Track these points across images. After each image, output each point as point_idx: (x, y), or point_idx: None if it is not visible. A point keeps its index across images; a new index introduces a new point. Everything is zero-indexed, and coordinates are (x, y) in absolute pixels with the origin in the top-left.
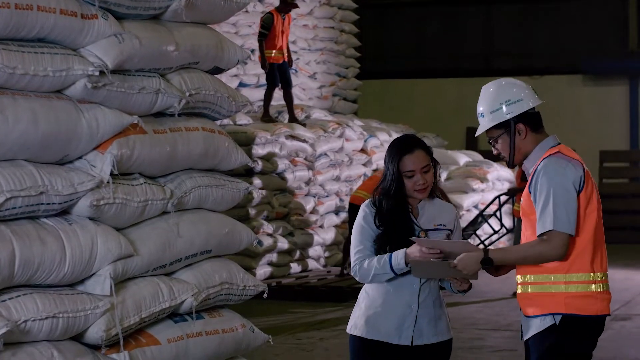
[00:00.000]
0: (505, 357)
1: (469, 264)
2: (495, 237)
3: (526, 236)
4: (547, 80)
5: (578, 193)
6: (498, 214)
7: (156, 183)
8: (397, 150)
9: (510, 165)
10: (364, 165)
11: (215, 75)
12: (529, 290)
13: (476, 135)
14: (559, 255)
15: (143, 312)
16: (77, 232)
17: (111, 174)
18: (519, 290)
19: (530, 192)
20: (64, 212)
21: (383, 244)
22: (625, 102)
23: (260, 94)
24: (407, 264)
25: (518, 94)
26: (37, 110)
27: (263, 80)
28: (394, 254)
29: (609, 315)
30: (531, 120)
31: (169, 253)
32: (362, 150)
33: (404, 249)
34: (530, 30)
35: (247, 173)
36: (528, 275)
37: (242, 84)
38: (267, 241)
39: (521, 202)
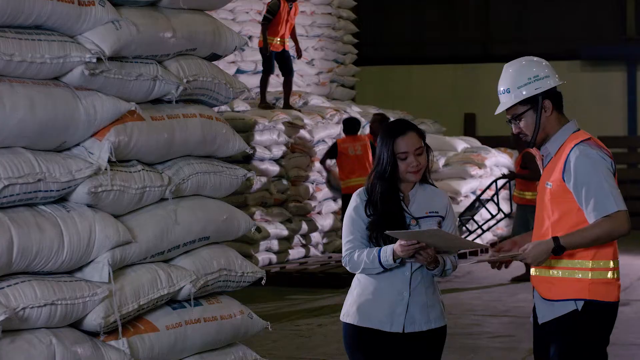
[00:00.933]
0: (504, 343)
1: (539, 255)
2: (492, 221)
3: (555, 221)
4: None
5: None
6: (495, 198)
7: (154, 170)
8: (391, 132)
9: (532, 144)
10: None
11: (213, 62)
12: (552, 274)
13: (497, 112)
14: (626, 231)
15: (141, 299)
16: (75, 219)
17: (109, 161)
18: (537, 273)
19: (564, 179)
20: (61, 200)
21: (374, 233)
22: (623, 89)
23: (258, 80)
24: (395, 261)
25: (544, 71)
26: (35, 97)
27: (261, 67)
28: (383, 249)
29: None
30: (556, 99)
31: (167, 240)
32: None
33: (392, 245)
34: (528, 16)
35: (245, 160)
36: (552, 260)
37: (239, 71)
38: (267, 228)
39: (548, 188)
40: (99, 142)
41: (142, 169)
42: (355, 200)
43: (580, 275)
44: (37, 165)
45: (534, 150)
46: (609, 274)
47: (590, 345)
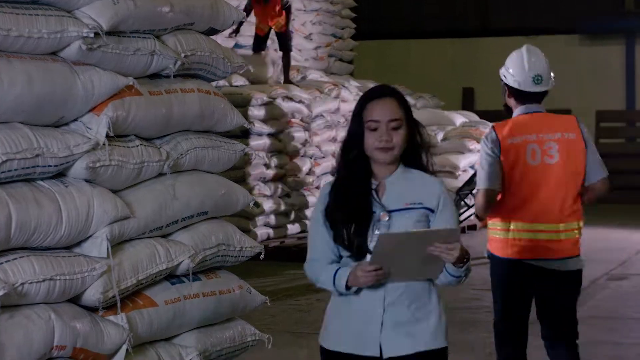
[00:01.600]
0: None
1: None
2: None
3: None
4: (543, 40)
5: None
6: None
7: (152, 145)
8: (364, 96)
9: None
10: None
11: (211, 37)
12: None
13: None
14: (480, 206)
15: (140, 274)
16: (73, 194)
17: (107, 136)
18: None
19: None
20: (60, 175)
21: (336, 234)
22: (622, 62)
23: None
24: (348, 288)
25: None
26: (32, 72)
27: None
28: (338, 274)
29: None
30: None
31: (165, 215)
32: None
33: (348, 269)
34: None
35: (243, 134)
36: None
37: (237, 45)
38: (265, 203)
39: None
40: (97, 117)
41: (140, 144)
42: (320, 194)
43: (490, 234)
44: (35, 140)
45: None
46: (497, 233)
47: (493, 285)
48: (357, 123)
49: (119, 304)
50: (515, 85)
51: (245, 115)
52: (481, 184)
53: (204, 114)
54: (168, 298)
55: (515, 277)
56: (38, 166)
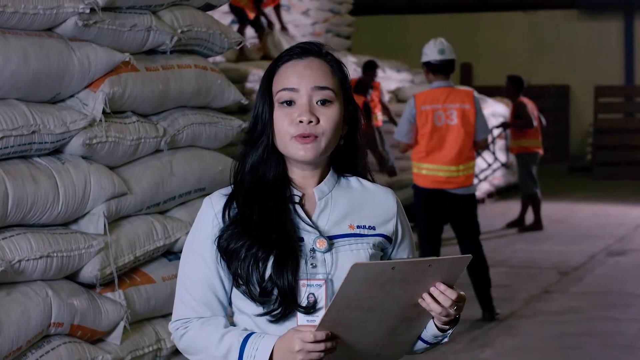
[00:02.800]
0: (500, 293)
1: None
2: (489, 170)
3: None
4: (542, 15)
5: None
6: (492, 147)
7: (149, 121)
8: (277, 58)
9: None
10: None
11: (207, 12)
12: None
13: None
14: (401, 149)
15: (137, 250)
16: (70, 171)
17: (103, 112)
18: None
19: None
20: (56, 152)
21: (238, 275)
22: (620, 37)
23: (253, 31)
24: None
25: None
26: (28, 48)
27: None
28: (251, 344)
29: None
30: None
31: (163, 191)
32: None
33: (272, 338)
34: None
35: (240, 110)
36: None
37: (234, 21)
38: None
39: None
40: (93, 94)
41: (137, 120)
42: (205, 210)
43: (414, 171)
44: (32, 117)
45: (524, 99)
46: (416, 170)
47: (416, 205)
48: (265, 99)
49: (116, 281)
50: (429, 59)
51: (242, 91)
52: (399, 136)
53: (201, 90)
54: (166, 274)
55: (430, 199)
56: (34, 143)
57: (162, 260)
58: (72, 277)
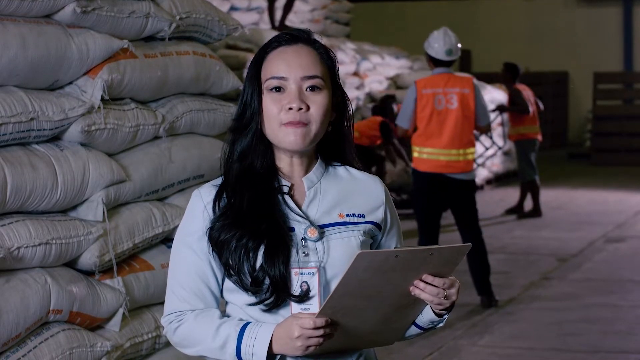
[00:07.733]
0: (499, 280)
1: None
2: (488, 153)
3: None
4: (541, 1)
5: None
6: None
7: (147, 108)
8: (264, 45)
9: None
10: (357, 88)
11: None
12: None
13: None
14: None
15: (136, 237)
16: (68, 158)
17: (102, 99)
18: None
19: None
20: (55, 138)
21: (229, 266)
22: (620, 24)
23: (251, 17)
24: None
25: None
26: (27, 35)
27: (254, 4)
28: (249, 333)
29: None
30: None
31: (162, 178)
32: (355, 74)
33: (270, 326)
34: None
35: (238, 97)
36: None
37: (233, 8)
38: None
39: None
40: (92, 80)
41: (136, 107)
42: (194, 202)
43: (413, 155)
44: (30, 104)
45: (520, 86)
46: (416, 154)
47: (414, 190)
48: (253, 87)
49: (115, 268)
50: (434, 55)
51: (241, 78)
52: (400, 121)
53: (200, 76)
54: (164, 261)
55: (430, 184)
56: (33, 130)
57: (160, 247)
58: (71, 264)
